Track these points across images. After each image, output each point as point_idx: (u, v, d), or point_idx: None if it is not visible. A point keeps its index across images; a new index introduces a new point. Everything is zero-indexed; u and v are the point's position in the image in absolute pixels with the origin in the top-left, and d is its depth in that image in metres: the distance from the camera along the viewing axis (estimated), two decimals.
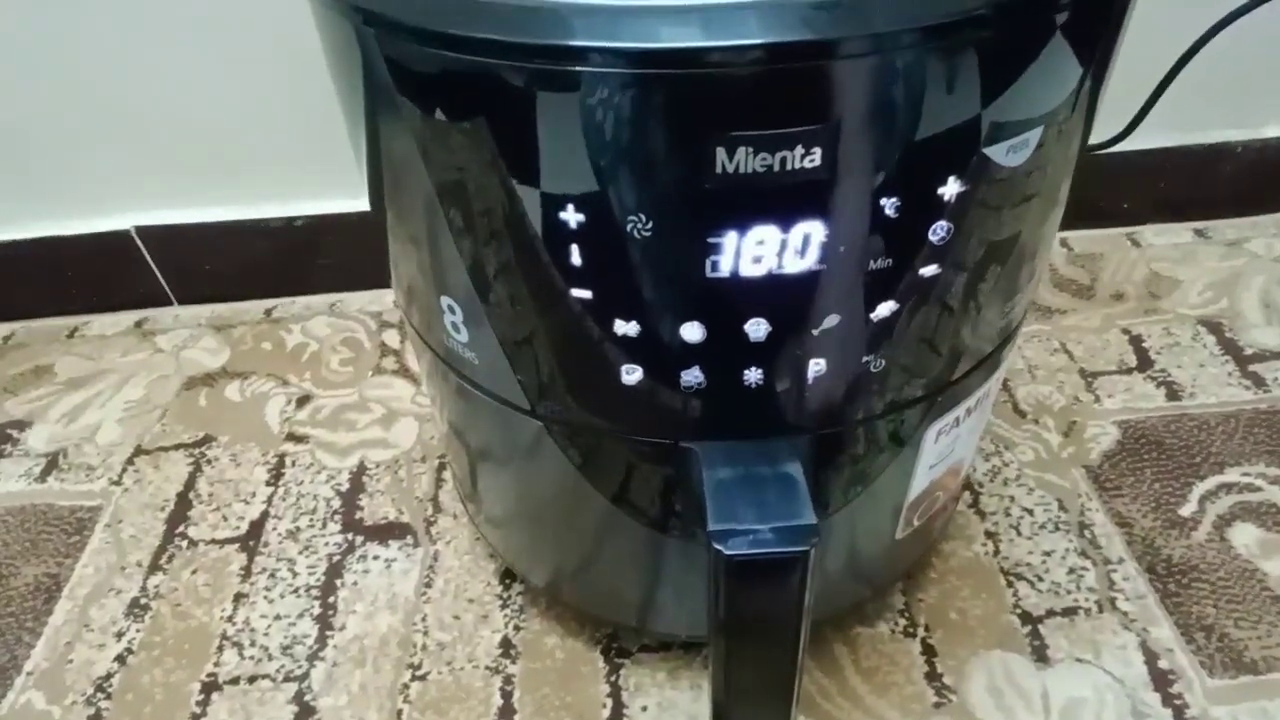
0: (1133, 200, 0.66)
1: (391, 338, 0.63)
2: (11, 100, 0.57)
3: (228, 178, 0.61)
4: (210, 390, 0.60)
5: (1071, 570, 0.44)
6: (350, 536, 0.49)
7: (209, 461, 0.54)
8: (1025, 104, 0.22)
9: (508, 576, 0.46)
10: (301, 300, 0.67)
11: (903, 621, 0.42)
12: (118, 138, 0.59)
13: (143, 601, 0.46)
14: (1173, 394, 0.53)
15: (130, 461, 0.55)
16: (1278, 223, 0.66)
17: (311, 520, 0.50)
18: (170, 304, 0.67)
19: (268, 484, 0.53)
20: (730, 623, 0.27)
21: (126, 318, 0.67)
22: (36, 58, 0.55)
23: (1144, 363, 0.55)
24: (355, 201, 0.61)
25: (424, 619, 0.44)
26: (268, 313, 0.66)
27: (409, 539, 0.49)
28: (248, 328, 0.65)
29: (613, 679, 0.41)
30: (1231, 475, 0.48)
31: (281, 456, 0.54)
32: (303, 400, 0.58)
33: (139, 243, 0.63)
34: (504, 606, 0.45)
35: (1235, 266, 0.62)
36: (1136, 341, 0.57)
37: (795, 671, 0.28)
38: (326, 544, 0.49)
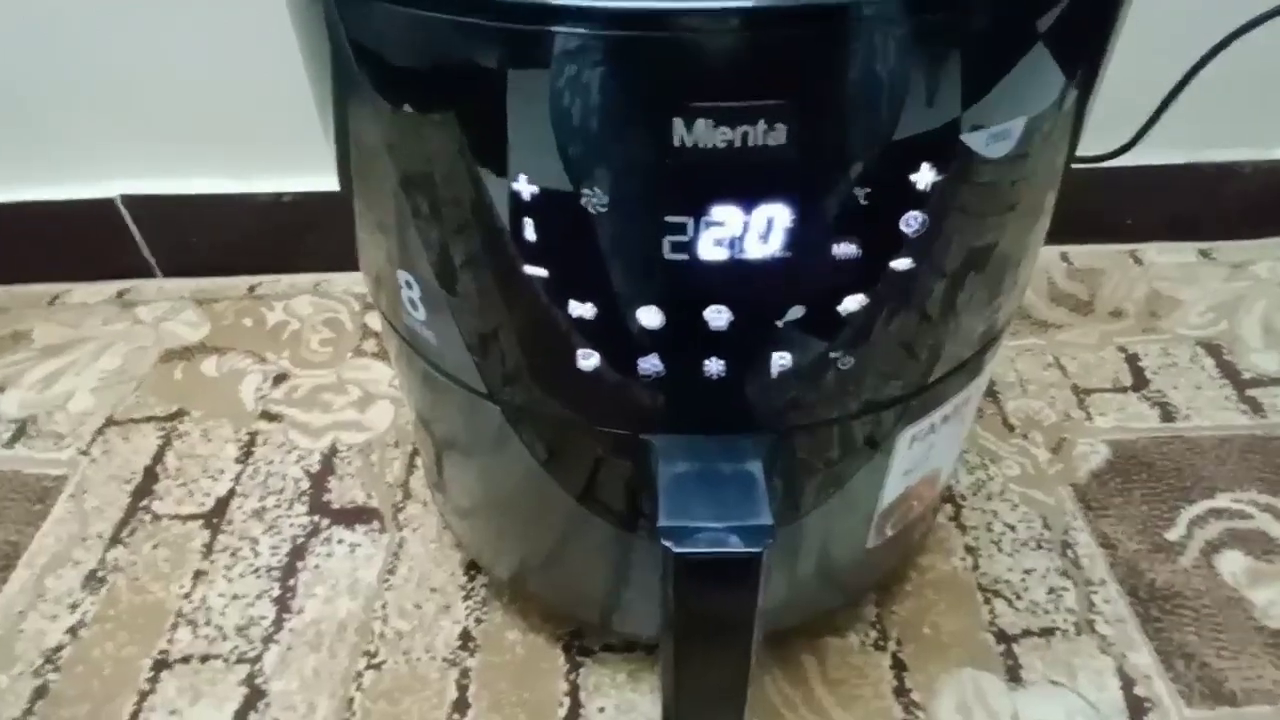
0: (1137, 217, 0.64)
1: (374, 320, 0.62)
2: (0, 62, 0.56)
3: (217, 150, 0.60)
4: (187, 364, 0.59)
5: (1051, 590, 0.43)
6: (316, 519, 0.48)
7: (180, 436, 0.53)
8: (1009, 91, 0.20)
9: (472, 567, 0.45)
10: (286, 278, 0.66)
11: (874, 633, 0.41)
12: (107, 104, 0.58)
13: (100, 574, 0.46)
14: (1167, 415, 0.52)
15: (100, 432, 0.54)
16: None
17: (278, 500, 0.49)
18: (154, 275, 0.66)
19: (237, 461, 0.52)
20: (681, 624, 0.25)
21: (109, 287, 0.66)
22: (26, 19, 0.54)
23: (1139, 382, 0.54)
24: None
25: (384, 606, 0.43)
26: (251, 289, 0.65)
27: (375, 524, 0.48)
28: (230, 303, 0.64)
29: (572, 677, 0.40)
30: (1222, 501, 0.47)
31: (253, 434, 0.53)
32: (279, 379, 0.57)
33: (124, 211, 0.62)
34: (467, 598, 0.44)
35: (1238, 289, 0.61)
36: (1133, 360, 0.55)
37: (746, 676, 0.26)
38: (292, 525, 0.48)
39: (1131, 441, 0.50)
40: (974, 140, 0.21)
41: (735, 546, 0.23)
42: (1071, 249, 0.65)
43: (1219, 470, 0.48)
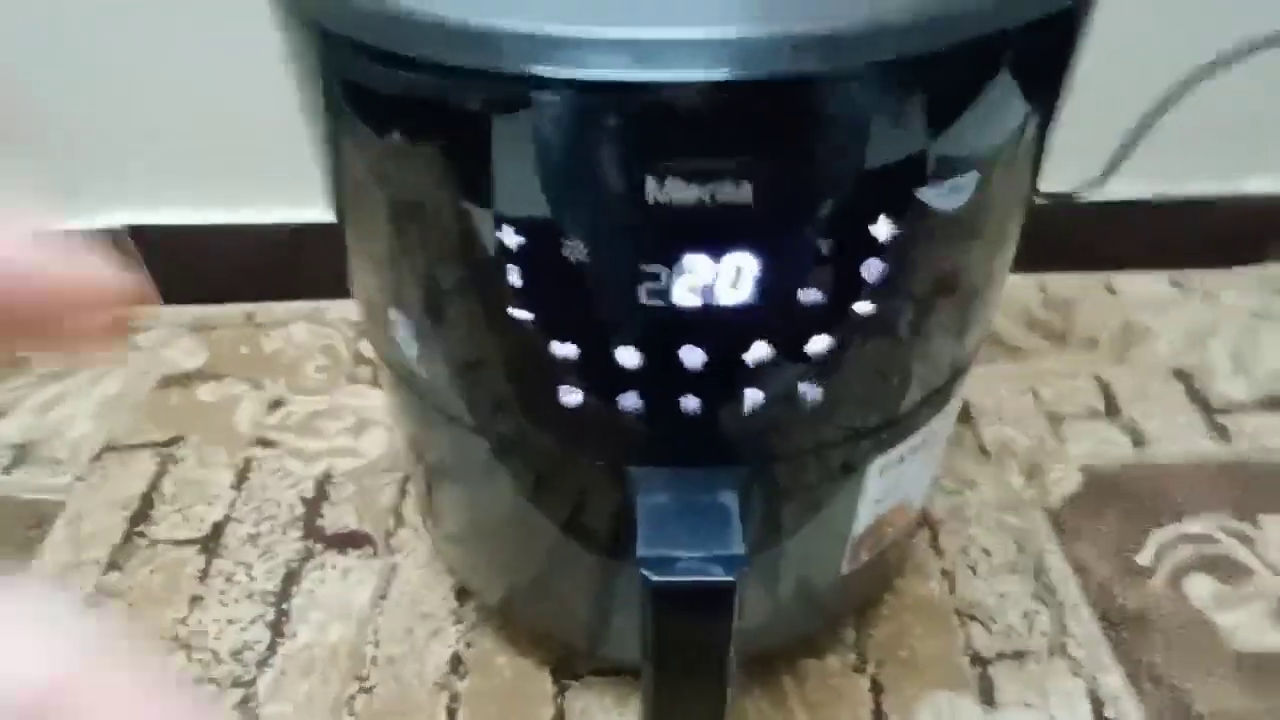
0: (1110, 247, 0.66)
1: (369, 347, 0.63)
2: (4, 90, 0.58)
3: (220, 181, 0.62)
4: (184, 390, 0.60)
5: (1025, 613, 0.44)
6: (310, 544, 0.49)
7: (176, 461, 0.54)
8: (960, 149, 0.22)
9: (463, 593, 0.46)
10: (283, 305, 0.67)
11: (852, 656, 0.42)
12: (117, 137, 0.60)
13: (96, 600, 0.46)
14: (1139, 441, 0.53)
15: (98, 458, 0.55)
16: (1254, 277, 0.66)
17: (273, 526, 0.50)
18: (155, 303, 0.68)
19: (232, 487, 0.53)
20: (659, 649, 0.27)
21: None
22: (31, 45, 0.56)
23: (1112, 409, 0.56)
24: None
25: (376, 631, 0.44)
26: (249, 316, 0.66)
27: (368, 549, 0.49)
28: (227, 330, 0.65)
29: (559, 701, 0.41)
30: (1191, 526, 0.48)
31: (248, 460, 0.54)
32: (275, 405, 0.58)
33: (129, 242, 0.64)
34: (457, 622, 0.45)
35: (1209, 318, 0.63)
36: (1106, 388, 0.57)
37: (724, 699, 0.28)
38: (286, 550, 0.49)
39: (1104, 467, 0.52)
40: (929, 195, 0.22)
41: (710, 575, 0.25)
42: (1047, 278, 0.67)
43: (1188, 496, 0.50)
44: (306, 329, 0.65)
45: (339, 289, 0.68)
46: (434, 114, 0.21)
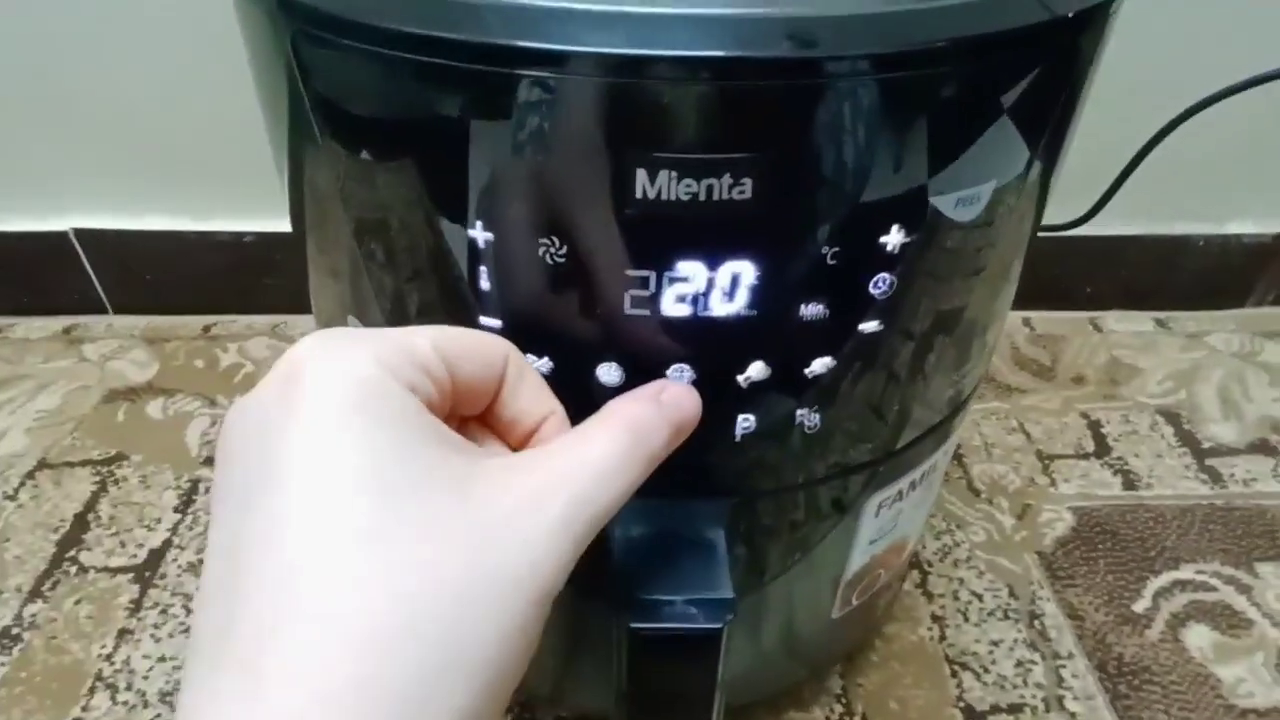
0: (1096, 285, 0.66)
1: None
2: None
3: (178, 187, 0.59)
4: (131, 405, 0.56)
5: (1019, 663, 0.42)
6: None
7: (116, 481, 0.50)
8: (978, 156, 0.20)
9: None
10: (244, 319, 0.64)
11: (839, 708, 0.39)
12: (65, 134, 0.56)
13: (15, 631, 0.42)
14: (1129, 483, 0.52)
15: (31, 475, 0.51)
16: (1237, 319, 0.66)
17: None
18: (105, 312, 0.64)
19: (176, 510, 0.49)
20: (634, 702, 0.24)
21: (55, 322, 0.63)
22: None
23: (1101, 449, 0.54)
24: None
25: None
26: (206, 329, 0.63)
27: None
28: (182, 343, 0.62)
29: None
30: (1186, 572, 0.46)
31: (195, 482, 0.51)
32: None
33: (76, 245, 0.60)
34: None
35: (1195, 359, 0.62)
36: (1095, 426, 0.56)
37: None
38: None
39: (1095, 509, 0.50)
40: (943, 203, 0.20)
41: (694, 622, 0.22)
42: (1034, 315, 0.66)
43: (1182, 541, 0.48)
44: (266, 344, 0.62)
45: (303, 303, 0.65)
46: (407, 97, 0.19)
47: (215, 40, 0.52)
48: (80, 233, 0.60)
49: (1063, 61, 0.21)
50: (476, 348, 0.17)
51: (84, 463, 0.52)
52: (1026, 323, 0.65)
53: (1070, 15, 0.20)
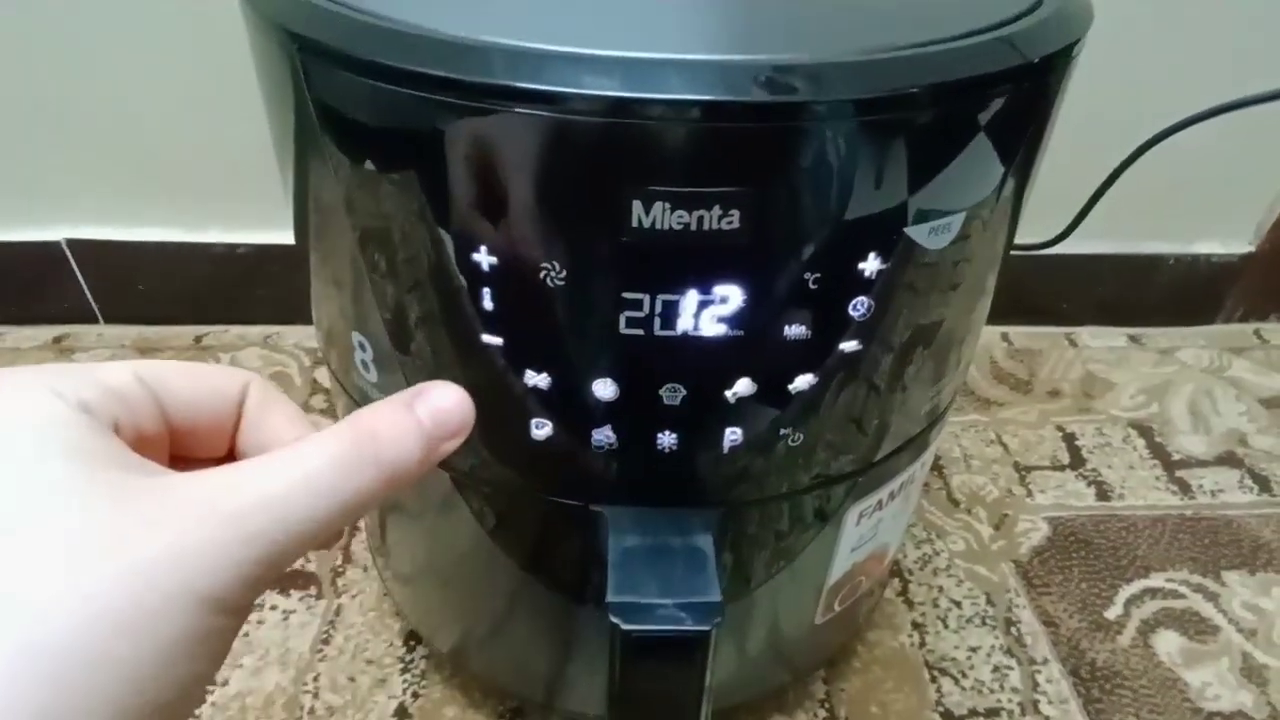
0: (1071, 302, 0.68)
1: (324, 375, 0.61)
2: None
3: (172, 197, 0.59)
4: None
5: (996, 669, 0.43)
6: None
7: None
8: (950, 187, 0.22)
9: (412, 638, 0.43)
10: (236, 329, 0.64)
11: (822, 712, 0.41)
12: (60, 144, 0.57)
13: None
14: (1102, 494, 0.53)
15: None
16: (1205, 335, 0.68)
17: None
18: (95, 321, 0.64)
19: None
20: (624, 703, 0.25)
21: (46, 332, 0.63)
22: None
23: (1076, 460, 0.56)
24: None
25: (316, 679, 0.41)
26: (197, 339, 0.64)
27: (312, 590, 0.46)
28: (173, 353, 0.62)
29: None
30: (1156, 580, 0.48)
31: None
32: None
33: (69, 255, 0.61)
34: (405, 670, 0.42)
35: (1166, 374, 0.64)
36: (1070, 439, 0.57)
37: None
38: None
39: (1070, 519, 0.52)
40: (917, 233, 0.22)
41: (684, 624, 0.23)
42: (1011, 329, 0.68)
43: (1153, 550, 0.50)
44: (258, 354, 0.62)
45: (293, 314, 0.66)
46: (411, 127, 0.20)
47: (212, 53, 0.53)
48: (73, 243, 0.60)
49: (1029, 100, 0.22)
50: (195, 375, 0.16)
51: None
52: (1005, 338, 0.67)
53: (1036, 60, 0.21)
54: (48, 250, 0.60)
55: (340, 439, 0.15)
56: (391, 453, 0.15)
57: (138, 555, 0.13)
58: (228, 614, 0.14)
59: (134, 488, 0.14)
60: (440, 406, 0.16)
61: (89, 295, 0.63)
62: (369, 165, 0.22)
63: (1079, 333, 0.68)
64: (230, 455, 0.17)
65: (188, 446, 0.17)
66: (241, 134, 0.56)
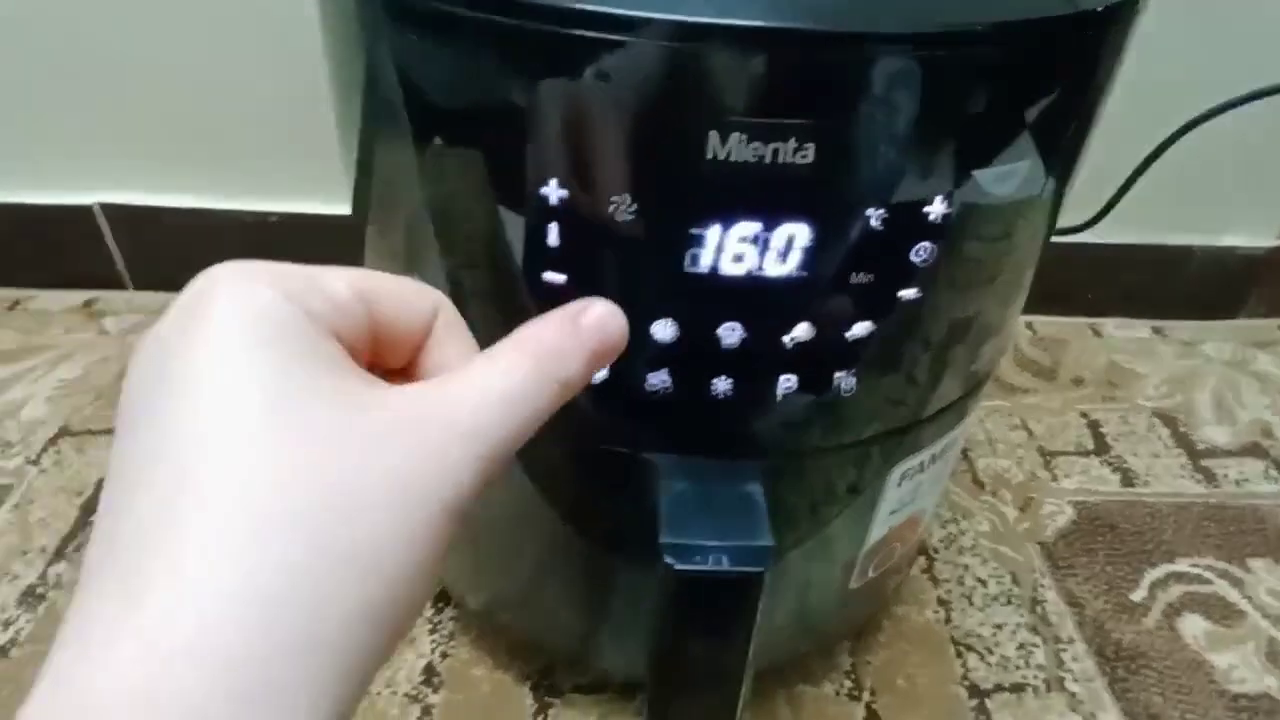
0: (1096, 292, 0.67)
1: None
2: None
3: (204, 165, 0.60)
4: None
5: (1021, 646, 0.43)
6: None
7: None
8: (1014, 133, 0.22)
9: (441, 598, 0.43)
10: None
11: (848, 683, 0.41)
12: (94, 108, 0.57)
13: (39, 590, 0.43)
14: (1127, 480, 0.53)
15: (53, 442, 0.51)
16: (1229, 330, 0.68)
17: None
18: (124, 287, 0.65)
19: None
20: (672, 651, 0.25)
21: (76, 296, 0.64)
22: (14, 18, 0.54)
23: (1101, 447, 0.56)
24: (333, 204, 0.61)
25: None
26: None
27: None
28: None
29: (540, 718, 0.39)
30: (1181, 565, 0.48)
31: None
32: None
33: (102, 219, 0.61)
34: (433, 631, 0.42)
35: (1190, 366, 0.64)
36: (1094, 426, 0.57)
37: (736, 708, 0.26)
38: None
39: (1095, 504, 0.52)
40: (983, 177, 0.22)
41: (737, 565, 0.23)
42: (1036, 319, 0.68)
43: (1178, 535, 0.50)
44: None
45: None
46: (490, 59, 0.20)
47: (252, 18, 0.53)
48: (106, 207, 0.61)
49: (1093, 49, 0.22)
50: (399, 291, 0.17)
51: (106, 431, 0.52)
52: (1029, 326, 0.67)
53: (1100, 9, 0.22)
54: (80, 214, 0.61)
55: (528, 357, 0.16)
56: (566, 370, 0.16)
57: (391, 464, 0.13)
58: (458, 524, 0.14)
59: (371, 399, 0.14)
60: (602, 327, 0.17)
61: (119, 260, 0.63)
62: (443, 99, 0.22)
63: (1103, 323, 0.68)
64: (406, 369, 0.18)
65: (379, 357, 0.17)
66: (278, 100, 0.56)
